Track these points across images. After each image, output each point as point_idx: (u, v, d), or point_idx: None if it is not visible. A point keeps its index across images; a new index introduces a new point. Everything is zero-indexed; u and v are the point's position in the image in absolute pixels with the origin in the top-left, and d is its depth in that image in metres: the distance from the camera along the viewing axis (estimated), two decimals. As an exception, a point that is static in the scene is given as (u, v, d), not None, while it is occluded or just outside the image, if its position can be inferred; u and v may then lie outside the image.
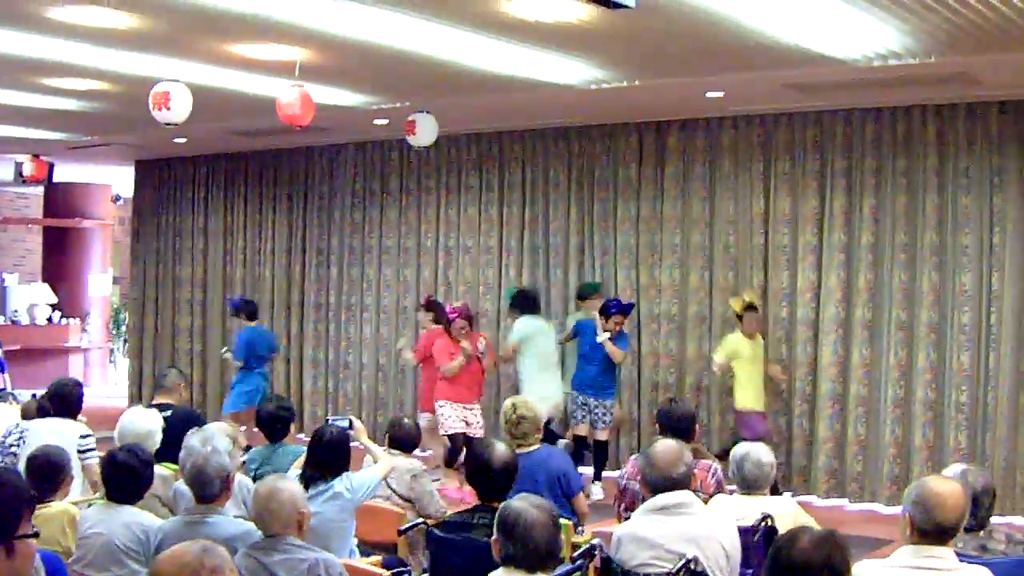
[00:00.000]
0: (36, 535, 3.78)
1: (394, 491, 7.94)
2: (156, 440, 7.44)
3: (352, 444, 7.40)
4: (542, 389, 12.26)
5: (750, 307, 12.34)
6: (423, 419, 12.81)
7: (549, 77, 10.85)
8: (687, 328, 13.43)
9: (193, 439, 5.89)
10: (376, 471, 7.41)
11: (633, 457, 7.94)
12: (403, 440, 8.42)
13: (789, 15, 8.52)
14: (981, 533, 5.88)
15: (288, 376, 16.82)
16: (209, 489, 5.73)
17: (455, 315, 12.55)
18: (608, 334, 12.35)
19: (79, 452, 8.15)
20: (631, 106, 12.75)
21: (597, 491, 12.17)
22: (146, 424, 7.58)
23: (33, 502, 3.88)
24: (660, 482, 5.76)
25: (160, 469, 7.02)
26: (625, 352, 12.67)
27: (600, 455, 12.65)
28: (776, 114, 12.77)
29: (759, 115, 12.87)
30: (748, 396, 12.30)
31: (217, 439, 5.86)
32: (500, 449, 6.23)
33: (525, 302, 13.09)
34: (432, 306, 13.48)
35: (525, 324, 12.87)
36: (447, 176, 15.33)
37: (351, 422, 7.87)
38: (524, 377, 12.85)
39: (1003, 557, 5.77)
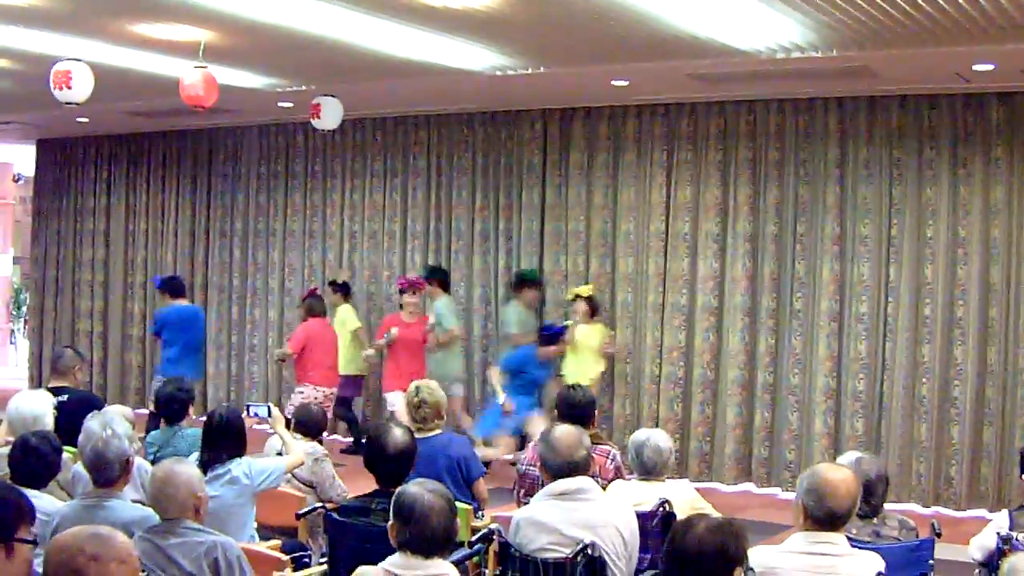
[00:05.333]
0: (34, 543, 4.00)
1: (295, 475, 7.92)
2: (47, 423, 7.31)
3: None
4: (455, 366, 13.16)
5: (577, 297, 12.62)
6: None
7: (454, 63, 10.84)
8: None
9: (93, 422, 5.84)
10: (282, 461, 7.39)
11: (532, 443, 7.98)
12: (309, 425, 8.44)
13: (694, 6, 8.58)
14: (875, 520, 6.02)
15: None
16: (108, 473, 5.68)
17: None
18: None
19: None
20: (536, 93, 12.78)
21: None
22: (35, 407, 7.46)
23: (33, 515, 4.11)
24: (560, 467, 5.80)
25: (60, 453, 6.95)
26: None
27: None
28: (680, 104, 12.86)
29: (663, 104, 12.94)
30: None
31: (116, 423, 5.81)
32: (397, 434, 6.22)
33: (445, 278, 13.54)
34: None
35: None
36: (352, 160, 15.28)
37: (270, 410, 7.87)
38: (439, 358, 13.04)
39: (895, 543, 5.90)
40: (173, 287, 13.47)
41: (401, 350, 12.97)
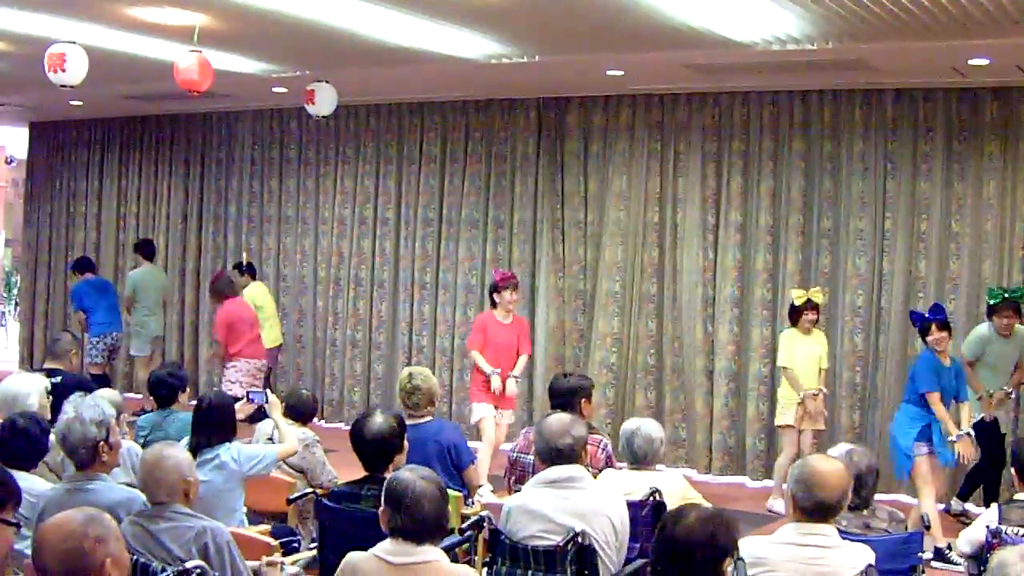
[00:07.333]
0: (17, 525, 4.13)
1: (285, 460, 7.91)
2: (32, 404, 7.30)
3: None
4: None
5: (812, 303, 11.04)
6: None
7: (450, 50, 10.81)
8: (586, 303, 13.52)
9: (67, 407, 5.84)
10: (273, 449, 7.37)
11: (524, 430, 7.99)
12: (298, 410, 8.43)
13: (690, -4, 8.59)
14: (865, 511, 6.02)
15: (183, 343, 16.66)
16: (76, 456, 5.69)
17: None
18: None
19: None
20: (531, 81, 12.76)
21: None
22: (22, 388, 7.44)
23: (18, 498, 4.25)
24: (543, 453, 5.81)
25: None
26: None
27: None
28: (675, 94, 12.84)
29: (658, 95, 12.93)
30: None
31: (86, 407, 5.78)
32: (377, 420, 6.20)
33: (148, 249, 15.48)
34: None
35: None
36: (346, 146, 15.25)
37: (267, 396, 7.88)
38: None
39: (885, 535, 5.91)
40: (81, 265, 15.38)
41: (492, 355, 11.10)
